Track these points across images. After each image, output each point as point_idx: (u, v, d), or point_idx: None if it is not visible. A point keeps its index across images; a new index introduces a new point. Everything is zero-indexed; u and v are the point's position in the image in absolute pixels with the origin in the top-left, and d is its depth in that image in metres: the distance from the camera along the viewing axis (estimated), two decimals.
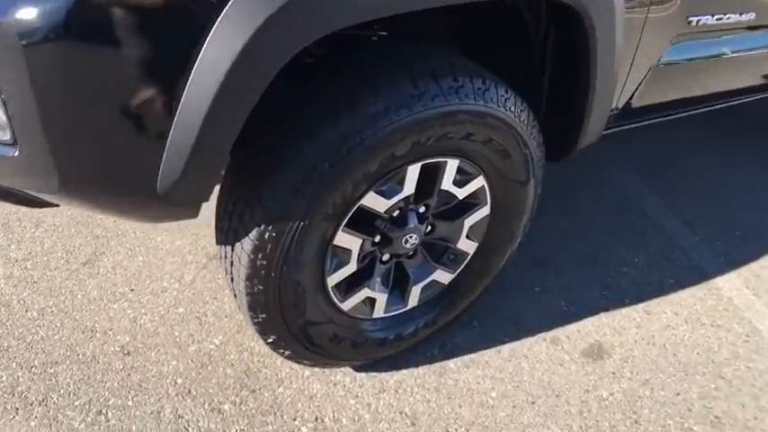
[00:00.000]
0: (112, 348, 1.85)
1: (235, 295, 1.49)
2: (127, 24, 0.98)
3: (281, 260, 1.35)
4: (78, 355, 1.83)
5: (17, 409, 1.65)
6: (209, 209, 1.33)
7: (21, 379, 1.74)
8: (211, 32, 1.01)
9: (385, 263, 1.67)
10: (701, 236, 2.57)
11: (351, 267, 1.54)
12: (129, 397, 1.71)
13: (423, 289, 1.77)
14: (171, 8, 1.01)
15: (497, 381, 1.85)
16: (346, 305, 1.62)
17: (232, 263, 1.40)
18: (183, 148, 1.09)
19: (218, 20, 1.01)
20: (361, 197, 1.40)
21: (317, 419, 1.69)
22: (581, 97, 1.63)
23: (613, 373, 1.91)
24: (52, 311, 1.96)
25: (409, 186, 1.48)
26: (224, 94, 1.04)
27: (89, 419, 1.64)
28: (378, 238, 1.59)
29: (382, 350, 1.78)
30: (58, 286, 2.06)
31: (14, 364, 1.78)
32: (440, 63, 1.36)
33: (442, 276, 1.79)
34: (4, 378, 1.74)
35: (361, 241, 1.51)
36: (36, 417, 1.63)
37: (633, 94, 1.81)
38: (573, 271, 2.32)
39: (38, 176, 1.12)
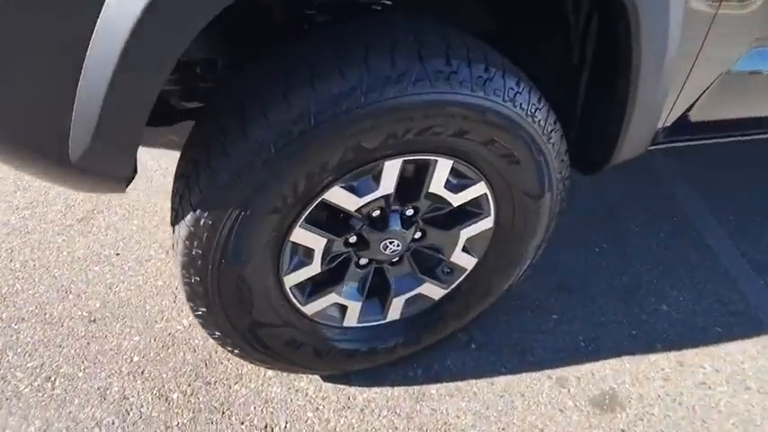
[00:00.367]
0: (80, 313, 1.77)
1: None
2: None
3: (219, 251, 1.17)
4: (46, 314, 1.75)
5: None
6: None
7: None
8: None
9: (362, 267, 1.47)
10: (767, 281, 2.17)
11: (314, 268, 1.35)
12: (82, 368, 1.62)
13: (407, 302, 1.55)
14: None
15: (481, 418, 1.60)
16: (309, 309, 1.43)
17: (173, 246, 1.24)
18: (91, 114, 0.94)
19: None
20: (322, 191, 1.20)
21: (266, 427, 1.52)
22: (619, 102, 1.33)
23: (623, 431, 1.61)
24: (34, 265, 1.91)
25: (387, 184, 1.25)
26: (129, 56, 0.86)
27: (35, 384, 1.56)
28: (354, 239, 1.38)
29: (352, 363, 1.58)
30: (47, 240, 2.01)
31: None
32: (432, 40, 1.12)
33: (432, 291, 1.56)
34: None
35: (325, 240, 1.31)
36: None
37: (692, 106, 1.48)
38: (601, 302, 2.00)
39: None
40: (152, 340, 1.71)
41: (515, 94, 1.19)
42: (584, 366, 1.78)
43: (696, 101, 1.46)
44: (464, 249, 1.50)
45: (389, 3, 1.37)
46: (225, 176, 1.09)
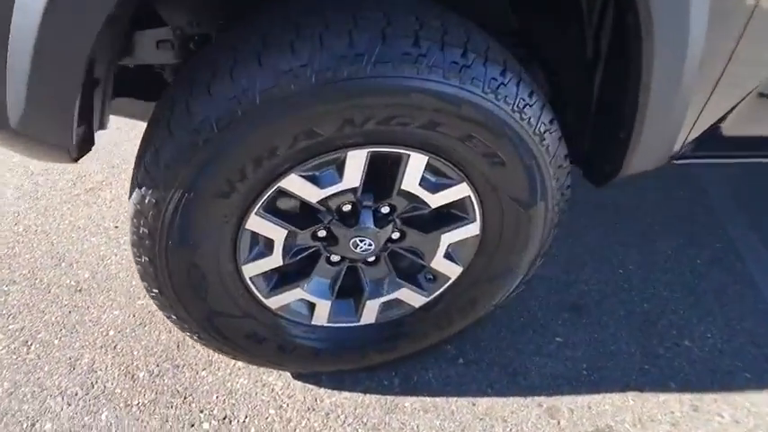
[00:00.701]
0: (68, 281, 1.78)
1: None
2: None
3: (164, 233, 1.11)
4: (36, 280, 1.77)
5: None
6: None
7: None
8: None
9: (334, 264, 1.37)
10: None
11: (275, 260, 1.27)
12: (59, 336, 1.62)
13: (383, 306, 1.45)
14: None
15: None
16: (273, 302, 1.35)
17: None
18: (21, 79, 0.90)
19: None
20: (278, 178, 1.11)
21: (224, 419, 1.46)
22: (629, 106, 1.16)
23: None
24: (36, 231, 1.94)
25: (351, 177, 1.15)
26: (50, 17, 0.81)
27: (12, 347, 1.57)
28: (323, 233, 1.29)
29: (320, 363, 1.49)
30: (53, 207, 2.04)
31: None
32: (402, 18, 1.00)
33: (411, 297, 1.44)
34: None
35: (285, 232, 1.22)
36: None
37: (724, 118, 1.27)
38: (614, 329, 1.81)
39: None
40: (131, 316, 1.69)
41: (498, 86, 1.05)
42: (582, 398, 1.61)
43: (729, 112, 1.26)
44: (447, 256, 1.37)
45: None
46: (167, 154, 1.02)
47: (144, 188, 1.07)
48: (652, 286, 1.97)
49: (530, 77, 1.13)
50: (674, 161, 1.39)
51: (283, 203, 1.24)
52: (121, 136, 2.45)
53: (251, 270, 1.26)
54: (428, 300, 1.46)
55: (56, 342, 1.60)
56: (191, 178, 1.04)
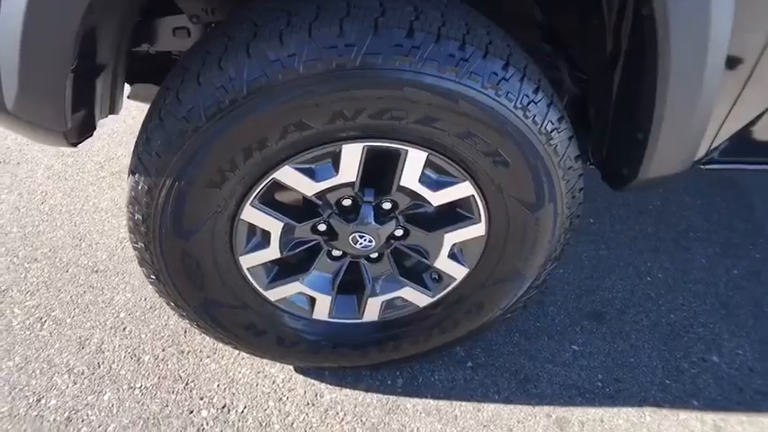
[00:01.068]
0: (86, 262, 1.82)
1: None
2: None
3: (158, 220, 1.11)
4: (56, 259, 1.82)
5: None
6: None
7: (0, 264, 1.78)
8: None
9: (336, 259, 1.34)
10: None
11: (272, 252, 1.25)
12: (72, 315, 1.66)
13: (386, 304, 1.41)
14: None
15: None
16: (272, 294, 1.34)
17: None
18: (12, 61, 0.90)
19: None
20: (271, 170, 1.08)
21: (223, 407, 1.47)
22: (646, 105, 1.08)
23: None
24: (60, 210, 1.99)
25: (348, 171, 1.11)
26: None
27: (27, 323, 1.62)
28: (324, 227, 1.26)
29: (320, 359, 1.47)
30: (80, 188, 2.09)
31: (3, 249, 1.83)
32: (397, 7, 0.95)
33: (415, 296, 1.40)
34: None
35: (282, 224, 1.20)
36: None
37: (756, 120, 1.17)
38: (636, 339, 1.72)
39: None
40: (142, 299, 1.71)
41: (500, 81, 0.99)
42: (594, 411, 1.53)
43: (762, 114, 1.15)
44: (452, 256, 1.32)
45: None
46: (157, 142, 1.02)
47: (137, 175, 1.07)
48: (681, 296, 1.86)
49: (537, 73, 1.06)
50: (702, 166, 1.29)
51: (285, 196, 1.22)
52: None
53: (248, 261, 1.25)
54: (433, 300, 1.41)
55: (68, 321, 1.64)
56: (180, 166, 1.03)
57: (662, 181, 1.23)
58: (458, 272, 1.35)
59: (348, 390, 1.53)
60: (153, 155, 1.03)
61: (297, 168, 1.09)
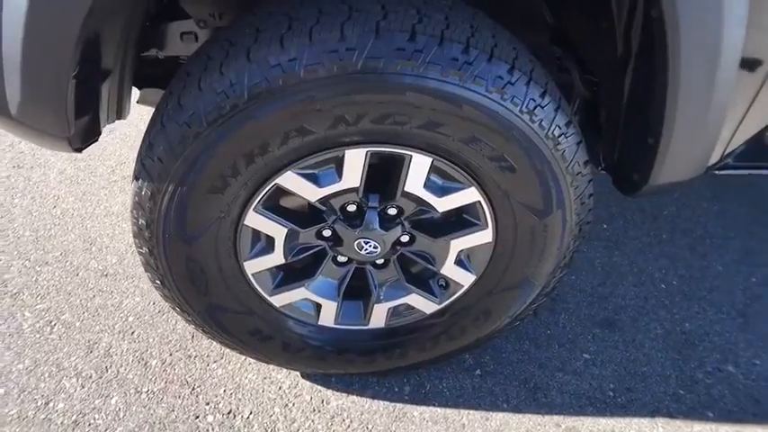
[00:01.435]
0: (96, 265, 1.83)
1: None
2: None
3: (162, 225, 1.11)
4: (67, 263, 1.83)
5: None
6: None
7: (12, 267, 1.80)
8: None
9: (341, 265, 1.33)
10: None
11: (276, 258, 1.24)
12: (81, 318, 1.67)
13: (393, 311, 1.39)
14: None
15: None
16: (277, 300, 1.33)
17: None
18: (14, 67, 0.91)
19: None
20: (274, 175, 1.08)
21: (229, 413, 1.46)
22: (656, 107, 1.05)
23: None
24: (72, 214, 2.01)
25: (351, 177, 1.10)
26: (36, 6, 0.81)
27: (37, 326, 1.64)
28: (328, 233, 1.25)
29: (326, 365, 1.46)
30: (91, 192, 2.11)
31: (15, 252, 1.85)
32: (400, 11, 0.94)
33: (421, 303, 1.38)
34: (1, 260, 1.82)
35: (286, 230, 1.19)
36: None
37: None
38: (649, 348, 1.68)
39: None
40: (151, 304, 1.72)
41: (505, 85, 0.97)
42: (605, 421, 1.50)
43: None
44: (459, 263, 1.30)
45: None
46: (159, 148, 1.01)
47: (141, 180, 1.07)
48: (696, 304, 1.82)
49: (544, 76, 1.04)
50: (717, 172, 1.25)
51: (289, 201, 1.21)
52: None
53: (253, 267, 1.24)
54: (439, 307, 1.39)
55: (77, 324, 1.65)
56: (182, 172, 1.02)
57: (674, 187, 1.20)
58: (465, 279, 1.33)
59: (355, 397, 1.52)
60: (155, 160, 1.02)
61: (300, 174, 1.09)
